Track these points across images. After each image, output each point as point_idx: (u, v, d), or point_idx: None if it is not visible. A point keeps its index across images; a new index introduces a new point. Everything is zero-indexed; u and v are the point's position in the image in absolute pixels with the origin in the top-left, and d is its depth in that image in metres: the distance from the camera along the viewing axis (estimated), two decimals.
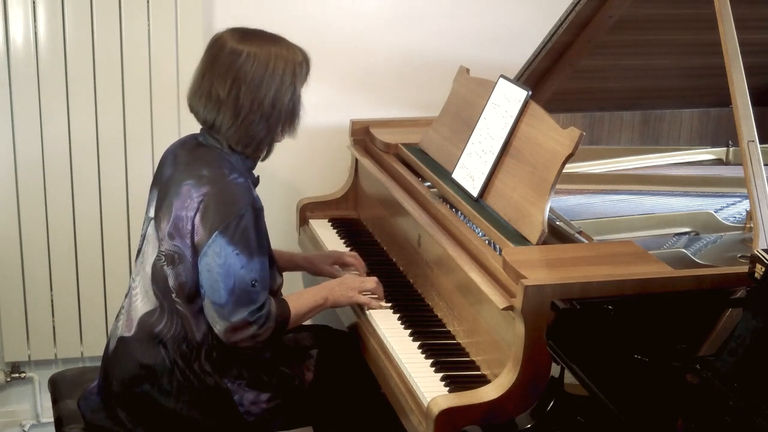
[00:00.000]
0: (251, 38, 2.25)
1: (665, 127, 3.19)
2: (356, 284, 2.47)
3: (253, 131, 2.24)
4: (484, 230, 2.37)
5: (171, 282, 2.26)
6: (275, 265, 2.41)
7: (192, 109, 2.30)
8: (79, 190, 3.10)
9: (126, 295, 2.39)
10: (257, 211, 2.24)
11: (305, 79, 2.30)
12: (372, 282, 2.49)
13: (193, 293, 2.25)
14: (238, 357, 2.31)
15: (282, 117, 2.26)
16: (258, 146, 2.29)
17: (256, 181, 2.34)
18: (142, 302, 2.31)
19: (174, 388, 2.28)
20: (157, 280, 2.28)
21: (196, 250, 2.21)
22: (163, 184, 2.31)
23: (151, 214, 2.33)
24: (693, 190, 2.77)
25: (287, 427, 2.43)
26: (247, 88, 2.20)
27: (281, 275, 2.46)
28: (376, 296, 2.48)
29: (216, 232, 2.17)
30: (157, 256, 2.28)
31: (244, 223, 2.19)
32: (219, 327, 2.23)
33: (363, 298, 2.45)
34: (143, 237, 2.36)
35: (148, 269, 2.30)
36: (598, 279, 1.97)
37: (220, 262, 2.18)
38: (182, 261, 2.23)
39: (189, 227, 2.21)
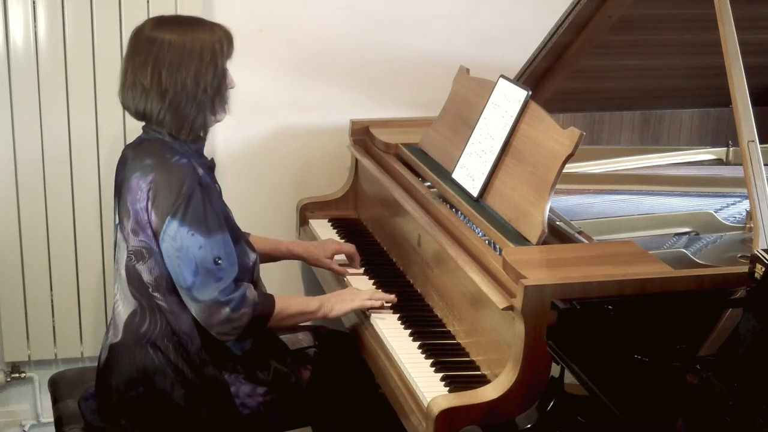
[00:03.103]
0: (167, 24, 2.28)
1: (665, 127, 3.19)
2: (352, 293, 2.47)
3: (183, 112, 2.24)
4: (484, 230, 2.37)
5: (146, 278, 2.26)
6: (244, 241, 2.39)
7: (124, 106, 2.32)
8: (79, 190, 3.10)
9: (113, 306, 2.39)
10: (205, 187, 2.24)
11: (228, 54, 2.29)
12: (369, 290, 2.50)
13: (170, 284, 2.26)
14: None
15: (209, 94, 2.26)
16: (192, 127, 2.27)
17: (210, 164, 2.35)
18: (124, 306, 2.32)
19: (168, 385, 2.28)
20: (132, 280, 2.28)
21: (157, 239, 2.22)
22: (118, 189, 2.33)
23: (116, 221, 2.34)
24: (693, 190, 2.76)
25: (286, 427, 2.43)
26: (167, 71, 2.21)
27: (254, 251, 2.43)
28: (380, 296, 2.47)
29: (168, 217, 2.18)
30: (127, 256, 2.28)
31: (194, 202, 2.19)
32: (194, 310, 2.24)
33: (357, 302, 2.43)
34: (115, 244, 2.36)
35: (123, 273, 2.31)
36: (598, 279, 1.97)
37: (177, 246, 2.19)
38: (151, 254, 2.24)
39: (146, 218, 2.22)
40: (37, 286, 3.15)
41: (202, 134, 2.33)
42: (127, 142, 3.05)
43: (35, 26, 2.94)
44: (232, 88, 2.32)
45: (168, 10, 3.00)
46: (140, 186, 2.22)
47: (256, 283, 2.41)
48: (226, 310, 2.22)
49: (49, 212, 3.09)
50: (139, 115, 2.30)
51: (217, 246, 2.21)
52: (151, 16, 2.99)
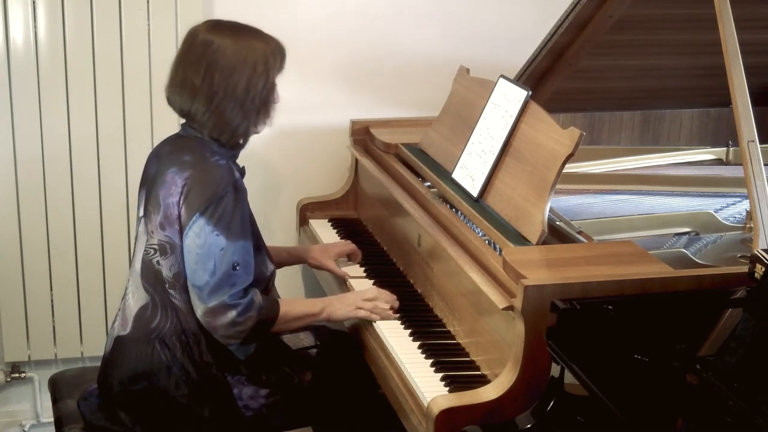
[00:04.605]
0: (224, 29, 2.29)
1: (665, 127, 3.19)
2: (355, 298, 2.45)
3: (228, 117, 2.26)
4: (484, 230, 2.37)
5: (165, 273, 2.26)
6: (265, 251, 2.40)
7: (169, 101, 2.32)
8: (79, 190, 3.10)
9: (122, 298, 2.40)
10: (239, 192, 2.25)
11: (280, 68, 2.32)
12: (372, 292, 2.46)
13: (187, 283, 2.26)
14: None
15: (256, 104, 2.27)
16: (233, 133, 2.29)
17: (242, 172, 2.35)
18: (134, 299, 2.32)
19: (171, 383, 2.28)
20: (147, 274, 2.29)
21: (182, 235, 2.23)
22: (149, 182, 2.33)
23: (141, 213, 2.35)
24: (693, 190, 2.76)
25: (287, 428, 2.43)
26: (220, 75, 2.22)
27: (273, 263, 2.45)
28: (383, 307, 2.43)
29: (197, 214, 2.19)
30: (145, 250, 2.29)
31: (225, 204, 2.20)
32: (199, 311, 2.23)
33: (362, 312, 2.41)
34: (135, 239, 2.37)
35: (138, 266, 2.32)
36: (598, 279, 1.97)
37: (200, 243, 2.19)
38: (174, 250, 2.24)
39: (176, 212, 2.23)
40: (37, 286, 3.14)
41: (241, 141, 2.34)
42: (127, 142, 3.09)
43: (35, 26, 2.94)
44: (276, 102, 2.34)
45: (168, 10, 3.00)
46: (175, 181, 2.23)
47: (269, 292, 2.41)
48: (232, 313, 2.21)
49: (49, 212, 3.09)
50: (183, 113, 2.31)
51: (238, 252, 2.21)
52: (151, 16, 3.01)
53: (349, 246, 2.78)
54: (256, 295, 2.26)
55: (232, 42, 2.24)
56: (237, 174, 2.28)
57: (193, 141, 2.30)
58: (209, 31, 2.27)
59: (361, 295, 2.46)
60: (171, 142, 2.37)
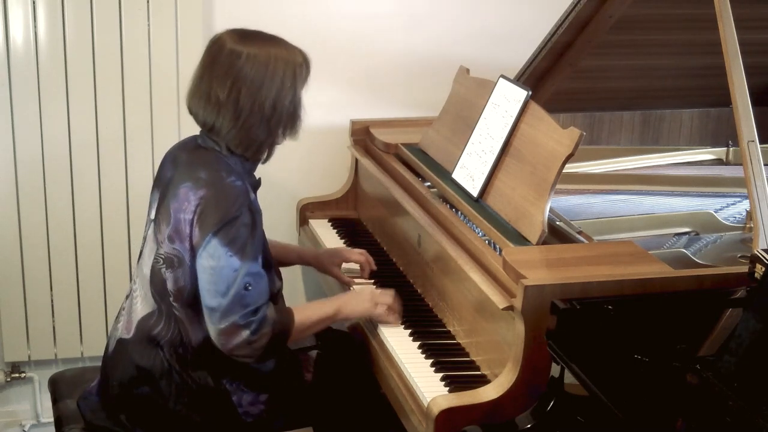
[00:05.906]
0: (251, 39, 2.23)
1: (665, 127, 3.19)
2: (371, 295, 2.41)
3: (254, 134, 2.22)
4: (484, 230, 2.37)
5: (169, 286, 2.24)
6: (273, 268, 2.39)
7: (191, 111, 2.27)
8: (79, 190, 3.10)
9: (127, 297, 2.38)
10: (254, 214, 2.21)
11: (306, 80, 2.27)
12: (389, 296, 2.42)
13: (191, 298, 2.23)
14: (236, 362, 2.30)
15: (283, 119, 2.24)
16: (259, 148, 2.26)
17: (257, 184, 2.32)
18: (142, 305, 2.31)
19: (172, 389, 2.27)
20: (156, 282, 2.27)
21: (194, 253, 2.20)
22: (163, 186, 2.30)
23: (152, 216, 2.31)
24: (693, 190, 2.77)
25: (287, 428, 2.43)
26: (247, 90, 2.18)
27: (280, 279, 2.44)
28: (392, 312, 2.42)
29: (210, 234, 2.15)
30: (155, 258, 2.27)
31: (239, 226, 2.16)
32: (213, 333, 2.19)
33: (379, 309, 2.38)
34: (144, 239, 2.35)
35: (147, 271, 2.29)
36: (598, 279, 1.97)
37: (213, 264, 2.16)
38: (181, 265, 2.21)
39: (188, 230, 2.18)
40: (37, 286, 3.15)
41: (263, 156, 2.30)
42: (127, 142, 3.09)
43: (35, 26, 2.94)
44: (302, 116, 2.28)
45: (168, 11, 3.00)
46: (189, 197, 2.18)
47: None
48: (246, 333, 2.17)
49: (49, 212, 3.09)
50: (206, 127, 2.25)
51: (250, 272, 2.17)
52: (150, 16, 3.00)
53: (355, 255, 2.70)
54: (269, 310, 2.22)
55: (259, 55, 2.18)
56: (252, 195, 2.23)
57: (210, 154, 2.24)
58: (236, 42, 2.20)
59: (378, 296, 2.42)
60: (189, 150, 2.30)
